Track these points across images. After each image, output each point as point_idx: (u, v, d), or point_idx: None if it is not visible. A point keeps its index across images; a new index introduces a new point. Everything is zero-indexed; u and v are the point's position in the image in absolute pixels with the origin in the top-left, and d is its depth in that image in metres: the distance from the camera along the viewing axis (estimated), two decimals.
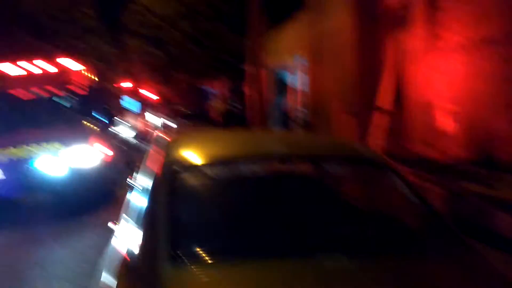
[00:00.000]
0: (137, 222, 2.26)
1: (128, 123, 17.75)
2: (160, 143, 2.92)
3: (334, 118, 9.70)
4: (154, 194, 2.16)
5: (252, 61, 14.32)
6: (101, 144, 7.46)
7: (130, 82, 20.74)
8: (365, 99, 8.28)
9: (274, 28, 16.41)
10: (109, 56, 20.55)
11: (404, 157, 6.64)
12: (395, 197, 2.40)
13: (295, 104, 14.12)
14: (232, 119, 14.47)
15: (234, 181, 2.36)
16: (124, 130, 14.55)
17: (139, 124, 18.08)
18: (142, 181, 2.72)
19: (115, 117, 10.45)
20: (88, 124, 7.65)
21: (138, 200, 2.56)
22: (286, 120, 14.88)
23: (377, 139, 7.64)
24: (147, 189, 2.35)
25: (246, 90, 12.33)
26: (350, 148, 2.70)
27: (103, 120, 8.12)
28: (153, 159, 2.67)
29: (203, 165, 2.24)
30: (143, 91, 21.29)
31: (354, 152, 2.60)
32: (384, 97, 7.86)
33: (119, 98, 12.68)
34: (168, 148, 2.60)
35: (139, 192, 2.63)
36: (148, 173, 2.61)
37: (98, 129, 7.78)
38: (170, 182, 2.09)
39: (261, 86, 16.00)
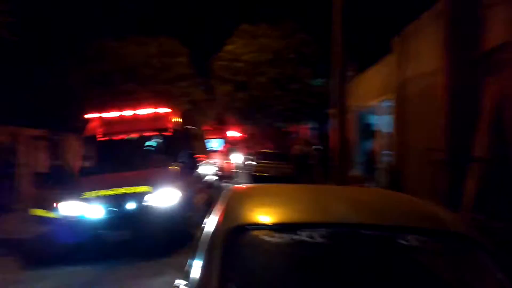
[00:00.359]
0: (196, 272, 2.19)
1: (212, 163, 18.40)
2: (225, 194, 2.82)
3: (421, 165, 9.09)
4: (209, 247, 2.10)
5: (336, 104, 14.18)
6: (184, 186, 7.68)
7: (217, 124, 21.66)
8: (456, 147, 7.67)
9: (361, 72, 16.33)
10: (199, 99, 21.66)
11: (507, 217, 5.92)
12: (486, 283, 2.03)
13: (380, 148, 13.56)
14: (311, 163, 14.07)
15: (292, 249, 2.13)
16: (209, 171, 15.00)
17: (224, 164, 18.60)
18: (208, 228, 2.64)
19: (201, 159, 10.83)
20: (174, 167, 7.93)
21: (202, 247, 2.48)
22: (370, 164, 14.32)
23: (471, 194, 6.95)
24: (209, 238, 2.27)
25: (330, 133, 12.08)
26: (433, 216, 2.31)
27: (188, 162, 8.38)
28: (218, 209, 2.59)
29: (261, 225, 2.10)
30: (229, 132, 22.00)
31: (438, 222, 2.25)
32: (481, 146, 7.19)
33: (205, 139, 13.08)
34: (229, 201, 2.52)
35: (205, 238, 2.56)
36: (213, 221, 2.54)
37: (183, 171, 8.03)
38: (225, 239, 2.00)
39: (345, 129, 15.70)
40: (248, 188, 3.22)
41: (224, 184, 18.72)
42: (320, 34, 17.09)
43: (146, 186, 7.26)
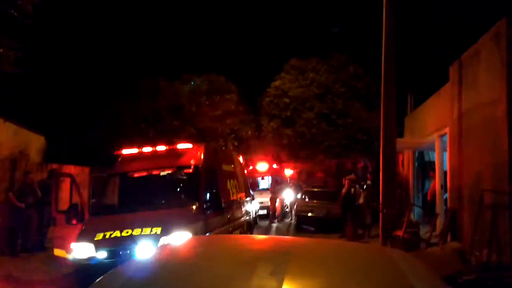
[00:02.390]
0: None
1: (258, 202, 17.67)
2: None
3: (480, 208, 7.72)
4: None
5: (388, 140, 13.02)
6: (202, 229, 7.00)
7: (266, 161, 21.03)
8: None
9: (417, 106, 15.13)
10: (247, 136, 21.31)
11: None
12: None
13: (439, 188, 12.08)
14: (360, 203, 12.78)
15: None
16: (251, 209, 14.27)
17: (272, 202, 17.80)
18: None
19: (237, 198, 10.13)
20: (193, 207, 7.30)
21: None
22: (429, 206, 12.82)
23: None
24: None
25: (382, 171, 10.97)
26: None
27: (212, 203, 7.71)
28: None
29: None
30: (278, 170, 21.28)
31: None
32: None
33: (245, 177, 12.42)
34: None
35: None
36: None
37: (203, 213, 7.36)
38: None
39: (399, 168, 14.34)
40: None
41: (272, 224, 17.95)
42: (373, 66, 16.18)
43: (158, 228, 6.67)
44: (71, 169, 12.25)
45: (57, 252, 8.32)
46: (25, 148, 14.72)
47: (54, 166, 11.96)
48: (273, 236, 3.11)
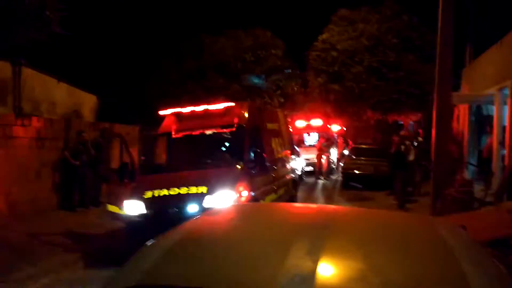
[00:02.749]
0: None
1: (305, 159, 17.55)
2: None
3: None
4: None
5: (443, 93, 12.28)
6: (247, 187, 7.03)
7: (313, 117, 20.65)
8: None
9: (476, 56, 14.10)
10: (293, 93, 20.94)
11: None
12: None
13: (497, 145, 11.40)
14: (410, 161, 12.28)
15: None
16: (297, 167, 14.22)
17: (319, 160, 17.64)
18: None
19: (281, 156, 10.09)
20: (238, 166, 7.32)
21: None
22: (485, 164, 12.17)
23: None
24: None
25: (435, 126, 10.40)
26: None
27: (256, 161, 7.69)
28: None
29: None
30: (325, 126, 20.86)
31: None
32: None
33: (290, 135, 12.27)
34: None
35: None
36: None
37: (247, 171, 7.38)
38: None
39: (454, 123, 13.61)
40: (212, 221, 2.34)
41: (319, 181, 17.88)
42: (428, 15, 15.09)
43: (204, 187, 6.78)
44: (121, 128, 12.64)
45: (111, 208, 8.73)
46: (78, 108, 15.37)
47: (106, 125, 12.38)
48: (312, 206, 3.02)
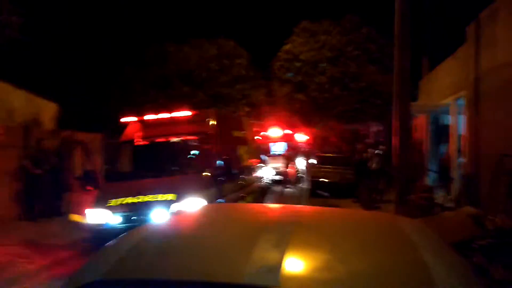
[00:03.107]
0: None
1: (272, 168, 17.63)
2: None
3: (497, 174, 7.58)
4: None
5: (401, 102, 12.73)
6: (214, 195, 7.01)
7: (278, 126, 20.84)
8: None
9: (432, 67, 14.72)
10: (258, 102, 21.07)
11: None
12: None
13: (455, 153, 11.90)
14: (374, 168, 12.63)
15: None
16: (264, 176, 14.24)
17: (286, 168, 17.77)
18: None
19: (249, 164, 10.11)
20: (205, 173, 7.28)
21: None
22: (444, 172, 12.67)
23: None
24: None
25: (395, 134, 10.77)
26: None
27: (224, 169, 7.68)
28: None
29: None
30: (291, 136, 21.10)
31: None
32: None
33: (256, 143, 12.33)
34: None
35: None
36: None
37: (215, 179, 7.35)
38: None
39: (414, 132, 14.05)
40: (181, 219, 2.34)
41: (286, 190, 17.99)
42: (386, 28, 15.66)
43: (171, 194, 6.69)
44: (83, 136, 12.30)
45: (73, 217, 8.47)
46: (38, 116, 14.81)
47: (67, 133, 12.01)
48: (280, 205, 3.06)
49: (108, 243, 1.84)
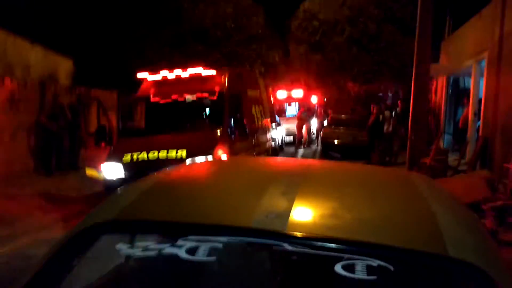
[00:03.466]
0: None
1: (285, 128, 17.64)
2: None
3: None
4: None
5: (421, 63, 12.40)
6: (227, 153, 7.04)
7: (293, 87, 20.64)
8: None
9: (455, 28, 14.20)
10: (274, 62, 20.74)
11: None
12: None
13: (473, 116, 11.66)
14: (388, 131, 12.48)
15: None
16: (276, 136, 14.25)
17: (299, 130, 17.75)
18: None
19: (262, 124, 10.11)
20: (220, 132, 7.31)
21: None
22: (460, 134, 12.49)
23: None
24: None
25: (413, 97, 10.58)
26: (429, 226, 1.36)
27: (237, 128, 7.69)
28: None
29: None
30: (305, 96, 20.90)
31: (432, 237, 1.30)
32: None
33: (270, 103, 12.26)
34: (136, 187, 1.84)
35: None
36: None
37: (227, 137, 7.38)
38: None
39: (432, 95, 13.79)
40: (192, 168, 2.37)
41: (298, 150, 18.05)
42: None
43: (183, 150, 6.76)
44: (98, 92, 12.38)
45: (89, 171, 8.67)
46: (54, 72, 14.91)
47: (82, 89, 12.10)
48: (292, 158, 3.08)
49: (121, 188, 1.87)
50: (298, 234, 1.24)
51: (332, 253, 1.21)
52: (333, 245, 1.21)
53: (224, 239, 1.29)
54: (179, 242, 1.31)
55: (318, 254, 1.22)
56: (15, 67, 13.04)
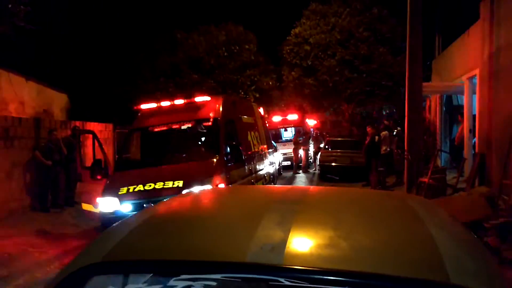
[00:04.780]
0: None
1: (282, 154, 17.61)
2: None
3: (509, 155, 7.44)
4: None
5: (414, 83, 12.52)
6: (223, 181, 6.99)
7: (288, 112, 20.75)
8: None
9: (445, 47, 14.41)
10: (267, 87, 20.93)
11: None
12: None
13: (467, 133, 11.69)
14: (385, 151, 12.45)
15: None
16: (274, 161, 14.18)
17: (295, 153, 17.72)
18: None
19: (259, 150, 10.08)
20: (213, 160, 7.27)
21: None
22: (456, 152, 12.49)
23: None
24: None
25: (408, 117, 10.62)
26: (431, 252, 1.33)
27: (233, 155, 7.65)
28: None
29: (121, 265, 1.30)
30: (300, 120, 20.98)
31: (434, 264, 1.26)
32: None
33: (266, 129, 12.26)
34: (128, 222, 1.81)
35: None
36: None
37: (223, 165, 7.33)
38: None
39: (426, 113, 13.85)
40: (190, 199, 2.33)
41: (296, 175, 17.97)
42: (398, 7, 15.35)
43: (180, 181, 6.69)
44: (94, 126, 12.39)
45: (85, 206, 8.55)
46: (48, 107, 14.95)
47: (77, 123, 12.10)
48: (287, 186, 3.04)
49: (111, 226, 1.82)
50: (295, 267, 1.20)
51: (332, 286, 1.17)
52: (332, 278, 1.17)
53: (218, 276, 1.24)
54: (171, 282, 1.27)
55: (317, 287, 1.18)
56: (9, 103, 13.07)
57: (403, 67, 11.24)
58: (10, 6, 7.10)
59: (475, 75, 10.66)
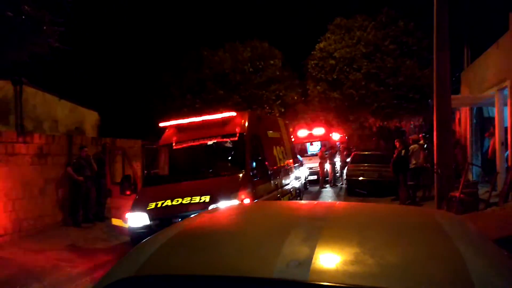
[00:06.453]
0: None
1: (308, 168, 17.48)
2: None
3: None
4: None
5: (442, 96, 12.27)
6: (249, 196, 7.01)
7: (314, 126, 20.66)
8: None
9: (474, 58, 14.14)
10: (293, 102, 20.98)
11: None
12: None
13: (500, 146, 11.36)
14: (415, 165, 12.18)
15: None
16: (299, 176, 14.13)
17: (322, 168, 17.58)
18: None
19: (285, 165, 10.07)
20: (242, 176, 7.31)
21: None
22: (488, 166, 12.13)
23: None
24: None
25: (437, 130, 10.40)
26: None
27: (258, 170, 7.69)
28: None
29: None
30: (327, 135, 20.86)
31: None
32: None
33: (291, 144, 12.24)
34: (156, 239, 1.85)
35: None
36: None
37: (249, 180, 7.37)
38: None
39: (456, 126, 13.55)
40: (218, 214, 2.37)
41: (323, 189, 17.80)
42: (424, 19, 15.21)
43: (207, 196, 6.77)
44: (123, 142, 12.67)
45: (115, 221, 8.72)
46: (80, 124, 15.45)
47: (107, 140, 12.42)
48: (313, 201, 3.02)
49: (142, 241, 1.88)
50: (321, 283, 1.22)
51: None
52: None
53: None
54: None
55: None
56: (43, 121, 13.59)
57: (431, 79, 11.08)
58: (45, 28, 7.42)
59: (505, 87, 10.41)
